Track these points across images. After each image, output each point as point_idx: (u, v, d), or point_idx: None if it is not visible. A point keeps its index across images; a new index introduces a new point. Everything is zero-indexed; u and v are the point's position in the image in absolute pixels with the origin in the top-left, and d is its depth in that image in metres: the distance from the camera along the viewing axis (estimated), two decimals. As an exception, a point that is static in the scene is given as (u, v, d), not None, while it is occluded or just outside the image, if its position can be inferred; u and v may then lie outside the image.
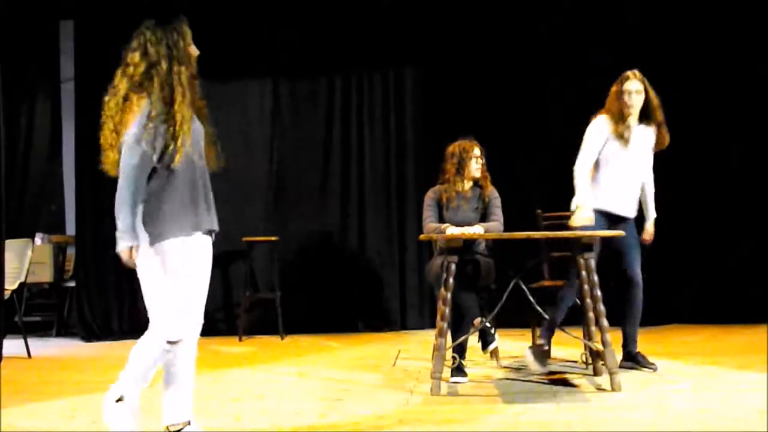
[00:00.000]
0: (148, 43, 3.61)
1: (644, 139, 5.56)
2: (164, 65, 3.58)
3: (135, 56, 3.61)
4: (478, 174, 5.77)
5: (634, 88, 5.42)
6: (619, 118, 5.44)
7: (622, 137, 5.42)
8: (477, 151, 5.79)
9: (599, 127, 5.48)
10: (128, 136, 3.53)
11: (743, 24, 8.18)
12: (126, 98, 3.58)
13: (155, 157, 3.53)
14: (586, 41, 8.31)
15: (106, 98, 3.67)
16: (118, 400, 3.62)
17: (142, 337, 3.67)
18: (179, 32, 3.65)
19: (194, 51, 3.71)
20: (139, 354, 3.63)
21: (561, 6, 8.39)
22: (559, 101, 8.35)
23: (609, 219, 5.47)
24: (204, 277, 3.65)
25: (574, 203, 5.43)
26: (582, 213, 5.32)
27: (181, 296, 3.58)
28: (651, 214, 5.76)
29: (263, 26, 8.55)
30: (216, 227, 3.72)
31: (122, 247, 3.56)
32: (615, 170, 5.49)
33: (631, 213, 5.60)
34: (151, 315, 3.65)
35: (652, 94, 5.45)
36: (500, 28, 8.50)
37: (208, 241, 3.68)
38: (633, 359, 5.65)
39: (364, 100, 8.74)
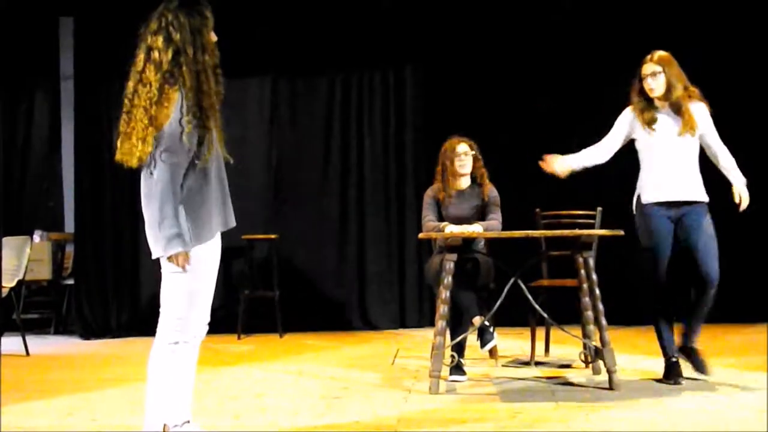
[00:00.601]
0: (171, 26, 3.46)
1: (675, 121, 5.21)
2: (190, 53, 3.45)
3: (158, 40, 3.45)
4: (463, 171, 5.75)
5: (649, 72, 5.17)
6: (643, 104, 5.22)
7: (646, 123, 5.20)
8: (462, 147, 5.76)
9: (622, 116, 5.34)
10: (169, 135, 3.40)
11: (744, 23, 8.16)
12: (161, 90, 3.42)
13: (191, 153, 3.44)
14: (586, 41, 8.29)
15: (131, 83, 3.49)
16: None
17: (154, 348, 3.56)
18: (202, 17, 3.52)
19: (214, 38, 3.57)
20: (159, 366, 3.55)
21: (561, 6, 8.36)
22: (559, 101, 8.34)
23: (668, 208, 5.14)
24: (216, 275, 3.63)
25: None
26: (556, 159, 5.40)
27: (199, 295, 3.55)
28: (735, 179, 5.27)
29: (263, 25, 8.54)
30: (235, 223, 3.67)
31: (173, 252, 3.40)
32: (652, 158, 5.22)
33: (689, 195, 5.16)
34: (164, 313, 3.57)
35: (670, 73, 5.14)
36: (500, 27, 8.49)
37: (219, 235, 3.65)
38: (688, 354, 5.27)
39: (364, 99, 8.73)
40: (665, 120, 5.18)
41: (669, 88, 5.15)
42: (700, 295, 5.12)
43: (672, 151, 5.17)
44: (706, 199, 5.21)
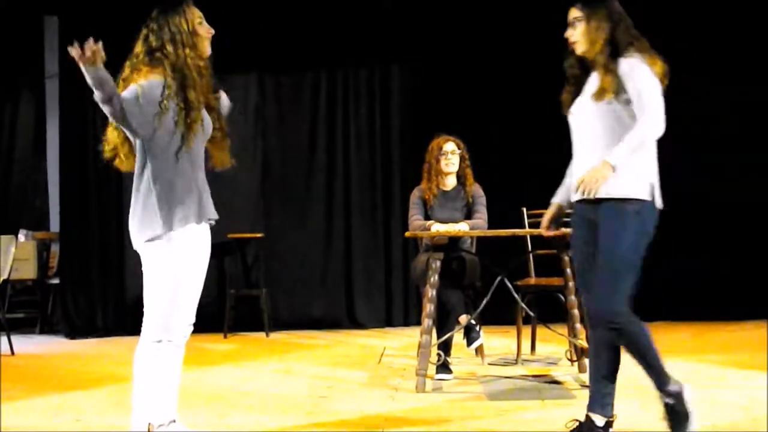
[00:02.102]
0: (151, 33, 3.58)
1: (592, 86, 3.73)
2: (170, 48, 3.54)
3: (138, 45, 3.60)
4: (448, 169, 5.73)
5: (570, 18, 3.79)
6: (572, 68, 3.90)
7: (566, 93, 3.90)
8: (449, 146, 5.74)
9: None
10: (134, 91, 3.41)
11: (747, 23, 8.16)
12: (125, 80, 3.51)
13: (164, 137, 3.48)
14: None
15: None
16: None
17: (139, 347, 3.58)
18: (181, 14, 3.59)
19: (204, 31, 3.64)
20: (144, 365, 3.56)
21: (558, 5, 8.32)
22: (548, 99, 8.31)
23: (586, 207, 3.71)
24: (202, 273, 3.63)
25: None
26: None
27: (182, 294, 3.55)
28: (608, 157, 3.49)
29: (249, 22, 8.52)
30: (216, 215, 3.68)
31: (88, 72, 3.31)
32: (574, 139, 3.85)
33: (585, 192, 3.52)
34: (147, 312, 3.58)
35: (592, 19, 3.69)
36: (488, 26, 8.48)
37: (208, 231, 3.66)
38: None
39: (350, 97, 8.72)
40: (590, 88, 3.73)
41: (591, 42, 3.70)
42: (590, 338, 3.78)
43: (587, 128, 3.71)
44: (625, 194, 3.57)
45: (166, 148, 3.51)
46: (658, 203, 3.64)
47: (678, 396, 3.68)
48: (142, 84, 3.46)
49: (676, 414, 3.68)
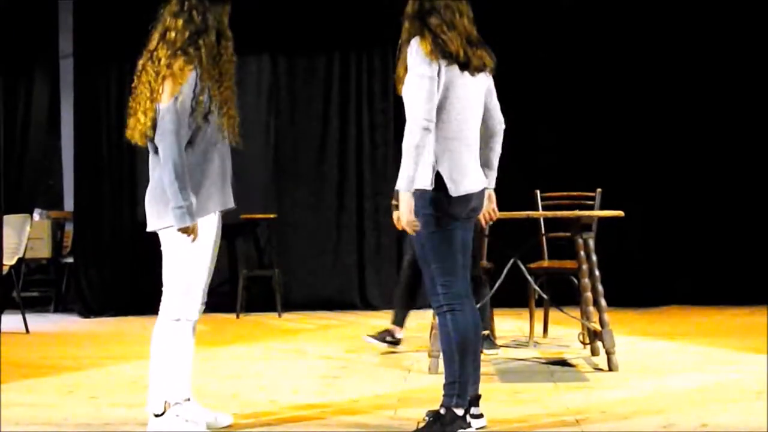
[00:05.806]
0: (194, 10, 3.52)
1: None
2: (212, 37, 3.53)
3: (178, 22, 3.51)
4: None
5: None
6: None
7: None
8: None
9: None
10: (178, 111, 3.44)
11: (745, 22, 8.10)
12: (170, 66, 3.47)
13: (196, 131, 3.49)
14: (578, 19, 8.22)
15: (141, 61, 3.57)
16: (162, 413, 3.58)
17: (157, 325, 3.61)
18: (224, 10, 3.60)
19: (230, 33, 3.66)
20: (162, 343, 3.59)
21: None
22: (561, 81, 8.29)
23: None
24: (215, 254, 3.66)
25: None
26: None
27: (197, 273, 3.57)
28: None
29: (262, 3, 8.49)
30: (234, 205, 3.71)
31: (183, 224, 3.46)
32: None
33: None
34: (166, 291, 3.62)
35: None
36: (499, 5, 8.41)
37: (220, 215, 3.68)
38: None
39: (363, 78, 8.69)
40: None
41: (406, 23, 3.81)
42: None
43: None
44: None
45: (195, 139, 3.52)
46: (452, 190, 3.69)
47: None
48: (183, 92, 3.44)
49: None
